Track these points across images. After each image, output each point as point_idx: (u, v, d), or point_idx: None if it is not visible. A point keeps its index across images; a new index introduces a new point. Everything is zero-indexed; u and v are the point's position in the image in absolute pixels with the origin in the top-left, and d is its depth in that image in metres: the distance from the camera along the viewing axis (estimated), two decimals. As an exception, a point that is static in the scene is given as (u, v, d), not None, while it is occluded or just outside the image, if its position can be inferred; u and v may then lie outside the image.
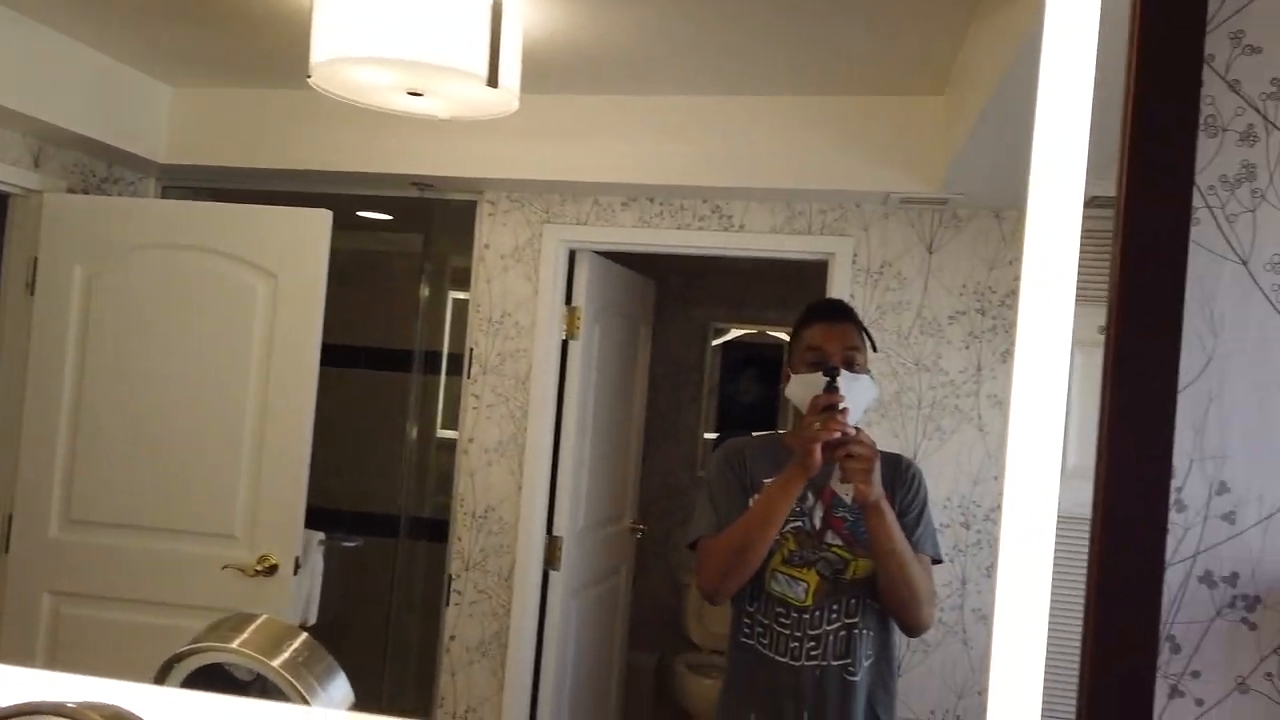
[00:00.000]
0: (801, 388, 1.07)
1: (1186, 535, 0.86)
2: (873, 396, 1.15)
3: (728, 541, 1.06)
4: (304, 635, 0.57)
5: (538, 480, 1.53)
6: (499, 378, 1.54)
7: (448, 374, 1.65)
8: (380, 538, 1.68)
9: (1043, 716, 0.77)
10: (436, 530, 1.60)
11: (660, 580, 2.05)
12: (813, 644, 1.06)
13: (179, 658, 0.53)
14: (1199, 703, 0.86)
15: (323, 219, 1.36)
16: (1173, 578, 0.84)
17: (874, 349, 1.19)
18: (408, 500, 1.68)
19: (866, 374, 1.10)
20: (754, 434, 1.21)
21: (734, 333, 2.38)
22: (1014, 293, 1.02)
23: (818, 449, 0.99)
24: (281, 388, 1.36)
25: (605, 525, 1.76)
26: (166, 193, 1.49)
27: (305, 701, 0.53)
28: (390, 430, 1.75)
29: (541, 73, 1.22)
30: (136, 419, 1.36)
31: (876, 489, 1.00)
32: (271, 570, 1.32)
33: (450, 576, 1.51)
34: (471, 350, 1.54)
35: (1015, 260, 1.02)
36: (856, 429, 1.03)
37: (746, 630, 1.07)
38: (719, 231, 1.49)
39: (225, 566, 1.31)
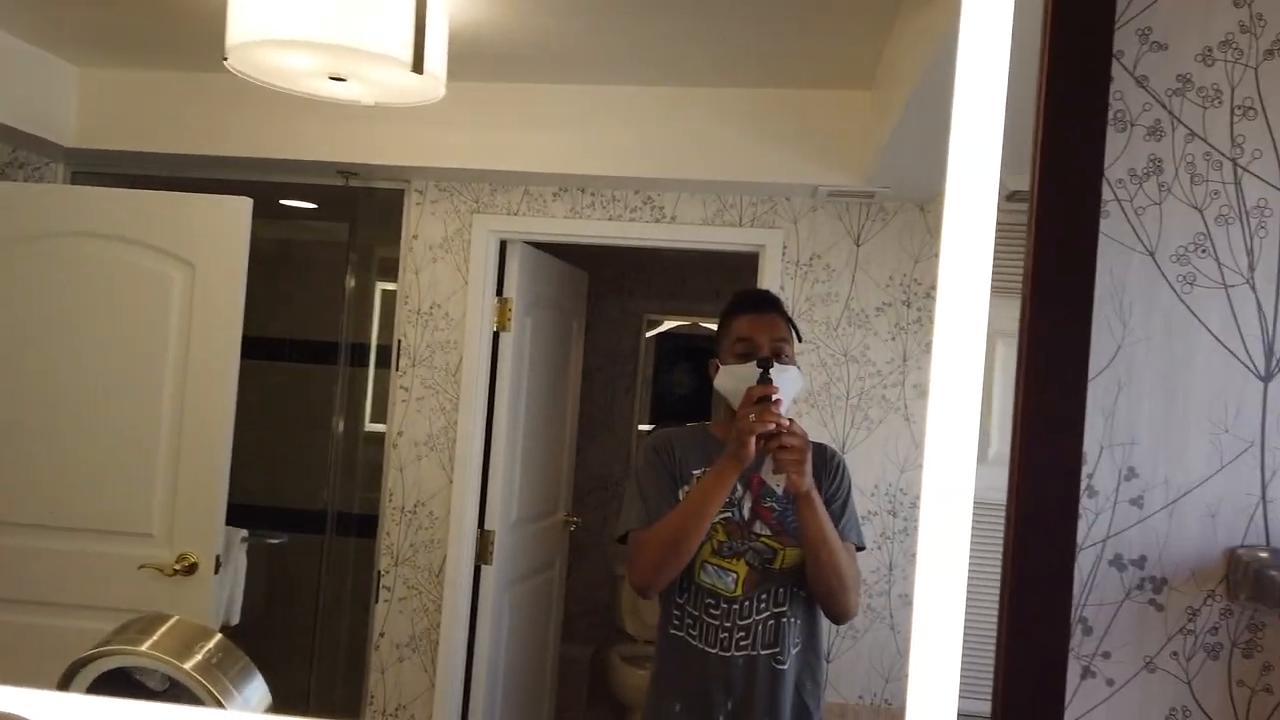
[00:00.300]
0: (731, 379, 1.08)
1: (1097, 520, 0.89)
2: (801, 387, 1.16)
3: (660, 535, 1.06)
4: (218, 637, 0.56)
5: (469, 474, 1.52)
6: (429, 370, 1.51)
7: (375, 366, 1.61)
8: (306, 534, 1.64)
9: (960, 696, 0.79)
10: (365, 526, 1.57)
11: (595, 572, 2.05)
12: (742, 634, 1.07)
13: (84, 662, 0.51)
14: (1109, 682, 0.90)
15: (243, 207, 1.32)
16: (1084, 561, 0.87)
17: (799, 339, 1.20)
18: (335, 495, 1.64)
19: (794, 365, 1.12)
20: (683, 425, 1.21)
21: (668, 324, 2.38)
22: (938, 285, 1.04)
23: (753, 441, 1.00)
24: (200, 381, 1.32)
25: (539, 518, 1.75)
26: (76, 178, 1.43)
27: (220, 705, 0.51)
28: (316, 424, 1.71)
29: (470, 59, 1.20)
30: (46, 414, 1.30)
31: (808, 479, 1.01)
32: (191, 569, 1.28)
33: (379, 573, 1.49)
34: (400, 342, 1.51)
35: (939, 254, 1.03)
36: (789, 420, 1.04)
37: (676, 621, 1.07)
38: (651, 223, 1.49)
39: (142, 566, 1.27)
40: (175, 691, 0.49)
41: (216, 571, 1.29)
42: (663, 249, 1.58)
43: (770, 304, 1.18)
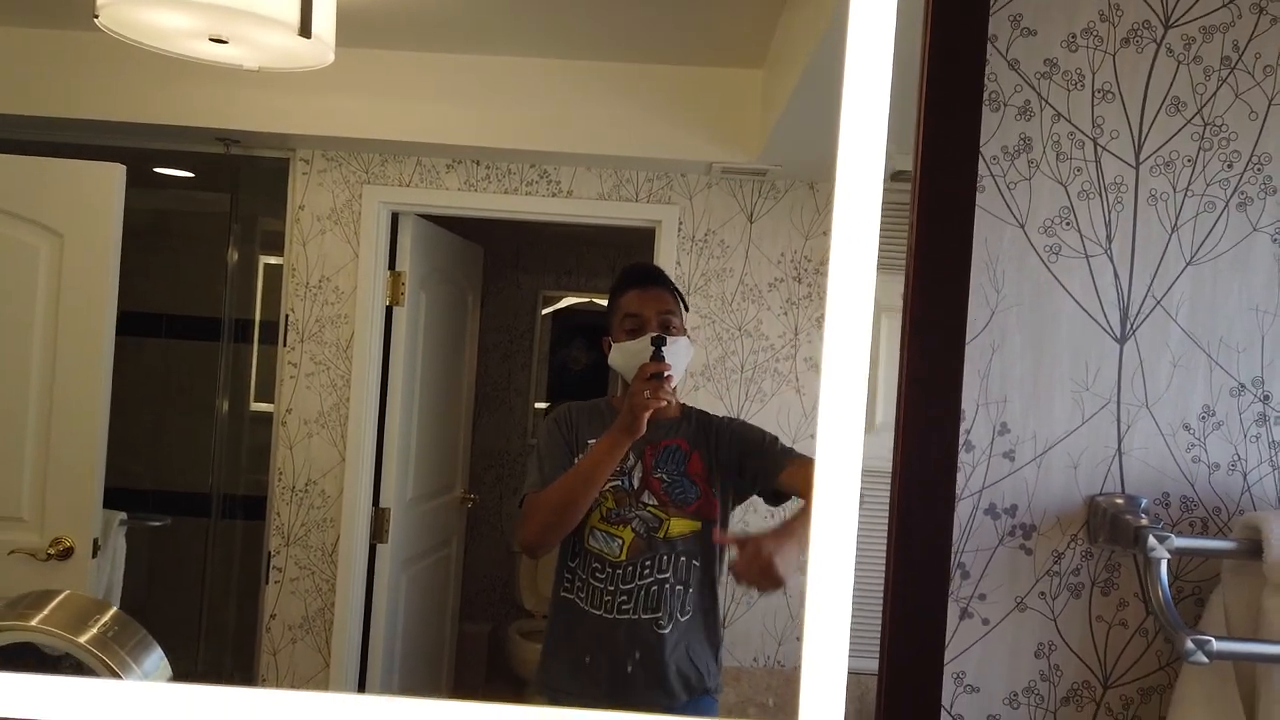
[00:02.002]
0: (622, 356, 1.11)
1: (974, 473, 0.95)
2: (690, 357, 1.19)
3: (551, 497, 1.10)
4: (114, 609, 0.54)
5: (363, 451, 1.49)
6: (318, 345, 1.47)
7: (261, 343, 1.56)
8: (191, 517, 1.58)
9: (851, 655, 0.83)
10: (252, 508, 1.52)
11: (492, 550, 2.04)
12: (624, 598, 1.11)
13: (-37, 640, 0.48)
14: (985, 621, 0.96)
15: (114, 173, 1.26)
16: (962, 511, 0.93)
17: (687, 310, 1.23)
18: (220, 477, 1.58)
19: (684, 336, 1.15)
20: (586, 400, 1.24)
21: (564, 301, 2.38)
22: (826, 261, 1.08)
23: (645, 416, 1.03)
24: (71, 357, 1.26)
25: (435, 496, 1.73)
26: (-72, 142, 1.32)
27: (117, 677, 0.50)
28: (199, 404, 1.64)
29: (360, 25, 1.17)
30: (-104, 394, 1.22)
31: (786, 573, 1.03)
32: (67, 554, 1.22)
33: (270, 553, 1.45)
34: (287, 317, 1.47)
35: (829, 231, 1.07)
36: (675, 398, 1.07)
37: (566, 584, 1.11)
38: (547, 197, 1.48)
39: (13, 551, 1.20)
40: (74, 664, 0.47)
41: (95, 555, 1.23)
42: (558, 224, 1.58)
43: (654, 278, 1.20)
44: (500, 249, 2.11)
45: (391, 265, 1.51)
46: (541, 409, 2.29)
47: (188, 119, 1.33)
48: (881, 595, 0.81)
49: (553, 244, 2.23)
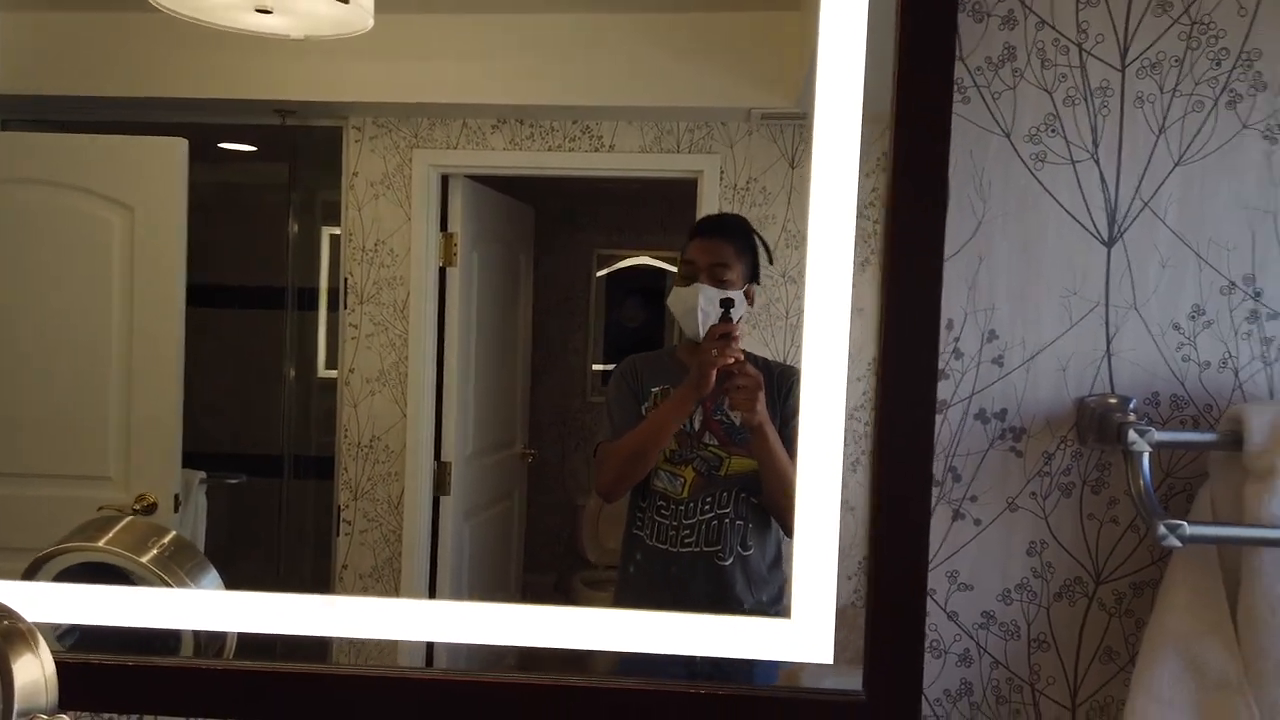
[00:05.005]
0: (675, 300, 1.17)
1: (964, 379, 0.96)
2: (741, 306, 1.22)
3: (623, 449, 1.17)
4: (172, 533, 0.59)
5: (423, 407, 1.55)
6: (376, 306, 1.53)
7: (324, 309, 1.62)
8: (265, 478, 1.66)
9: (840, 555, 0.86)
10: (323, 466, 1.59)
11: (555, 503, 2.09)
12: (687, 532, 1.16)
13: (45, 558, 0.54)
14: (977, 522, 0.97)
15: (178, 147, 1.32)
16: (953, 416, 0.94)
17: (770, 261, 1.27)
18: (290, 438, 1.66)
19: (736, 288, 1.18)
20: (650, 351, 1.30)
21: (622, 263, 2.41)
22: (870, 204, 1.09)
23: (713, 374, 1.09)
24: (146, 325, 1.33)
25: (495, 450, 1.78)
26: (4, 125, 1.41)
27: (177, 592, 0.54)
28: (268, 370, 1.72)
29: (397, -11, 1.20)
30: (-8, 364, 1.31)
31: (760, 414, 1.10)
32: (151, 509, 1.30)
33: (339, 507, 1.52)
34: (346, 280, 1.53)
35: (870, 173, 1.08)
36: (745, 360, 1.12)
37: (637, 523, 1.18)
38: (589, 152, 1.50)
39: (101, 508, 1.28)
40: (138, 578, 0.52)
41: (176, 510, 1.31)
42: (605, 179, 1.60)
43: (720, 229, 1.24)
44: (550, 209, 2.14)
45: (443, 227, 1.56)
46: (598, 370, 2.33)
47: (243, 92, 1.38)
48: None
49: (602, 202, 2.25)
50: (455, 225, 1.57)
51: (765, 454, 1.10)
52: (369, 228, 1.52)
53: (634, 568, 1.23)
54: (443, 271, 1.56)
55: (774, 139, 1.49)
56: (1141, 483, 0.86)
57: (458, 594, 1.59)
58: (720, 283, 1.18)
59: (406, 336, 1.53)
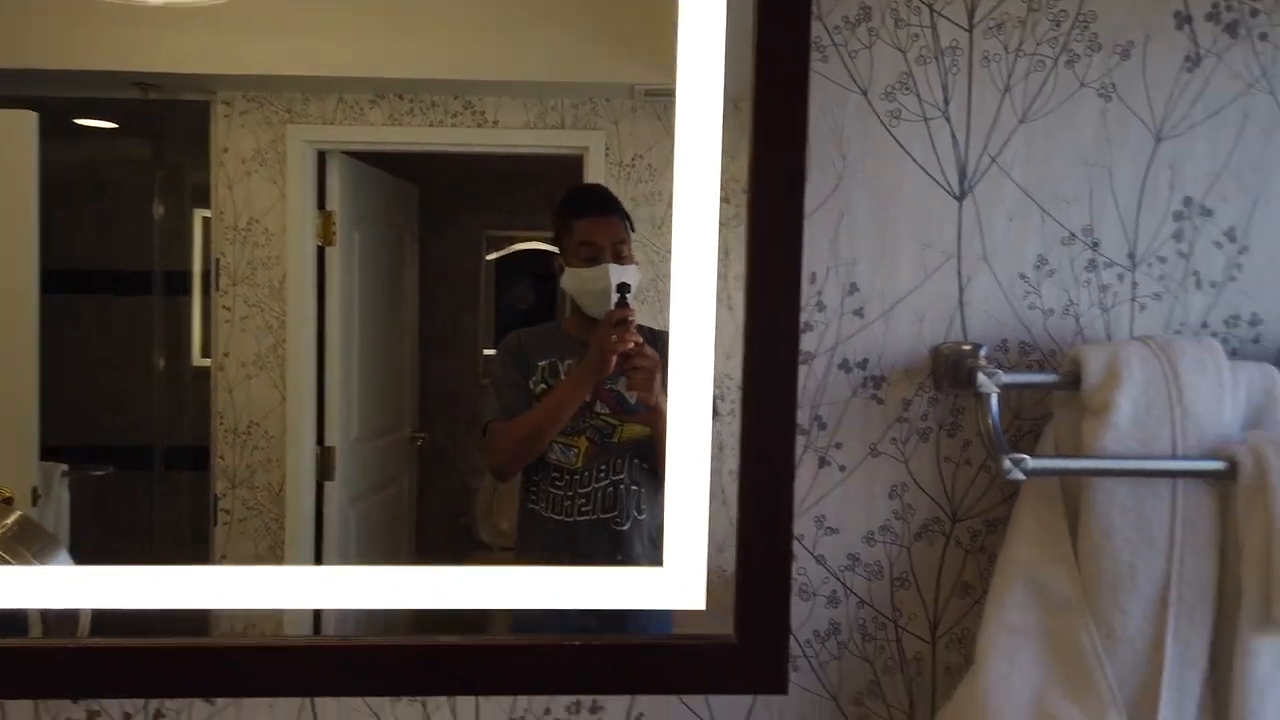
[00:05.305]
0: (576, 281, 1.17)
1: (827, 330, 1.00)
2: (639, 279, 1.23)
3: (519, 430, 1.18)
4: (17, 513, 0.56)
5: (303, 391, 1.50)
6: (251, 288, 1.47)
7: (192, 292, 1.55)
8: (135, 469, 1.59)
9: (710, 499, 0.89)
10: (198, 456, 1.53)
11: (447, 487, 2.06)
12: (584, 501, 1.17)
13: None
14: (842, 468, 1.01)
15: (26, 121, 1.24)
16: (818, 367, 0.97)
17: (633, 229, 1.28)
18: (161, 428, 1.58)
19: (633, 263, 1.19)
20: (535, 326, 1.29)
21: (513, 247, 2.39)
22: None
23: (613, 359, 1.10)
24: (-3, 312, 1.25)
25: (383, 434, 1.75)
26: None
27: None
28: (136, 358, 1.63)
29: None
30: None
31: (657, 395, 1.11)
32: (8, 503, 1.22)
33: (216, 496, 1.46)
34: (218, 261, 1.46)
35: (749, 148, 1.09)
36: (644, 342, 1.13)
37: (532, 497, 1.18)
38: (472, 128, 1.48)
39: (-51, 503, 1.20)
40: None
41: (35, 504, 1.24)
42: (491, 157, 1.58)
43: (609, 205, 1.25)
44: (436, 187, 2.10)
45: (321, 205, 1.51)
46: (490, 354, 2.30)
47: (100, 63, 1.31)
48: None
49: (489, 181, 2.22)
50: (333, 203, 1.52)
51: (661, 426, 1.11)
52: (241, 206, 1.46)
53: (529, 540, 1.23)
54: (322, 251, 1.51)
55: (658, 115, 1.49)
56: (990, 422, 0.92)
57: (341, 618, 1.55)
58: (622, 260, 1.19)
59: (284, 319, 1.48)
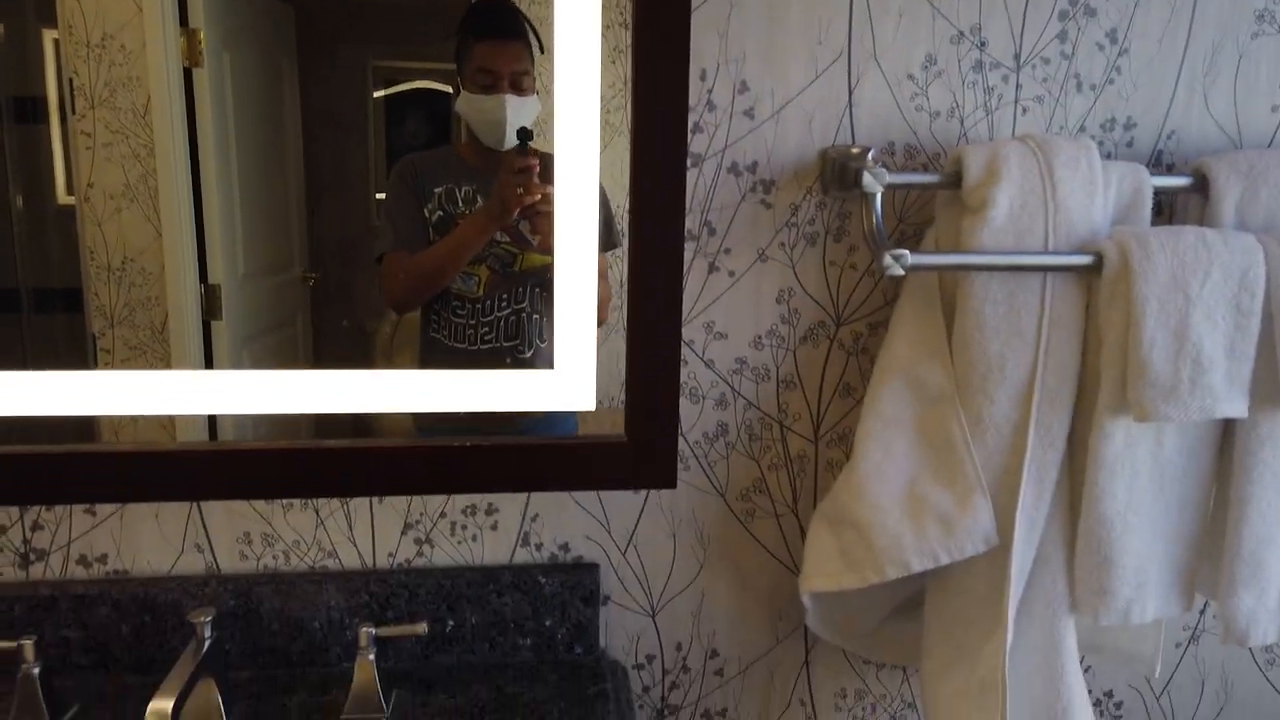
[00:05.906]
0: (471, 108, 1.12)
1: (717, 132, 0.99)
2: (538, 111, 1.18)
3: (419, 266, 1.15)
4: None
5: (180, 225, 1.42)
6: (112, 112, 1.36)
7: (48, 121, 1.43)
8: (1, 313, 1.50)
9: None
10: (71, 298, 1.45)
11: (343, 328, 2.02)
12: (486, 329, 1.17)
13: None
14: (731, 274, 1.03)
15: None
16: (707, 170, 0.97)
17: (542, 50, 1.23)
18: (27, 269, 1.49)
19: (533, 94, 1.14)
20: (428, 149, 1.24)
21: (400, 85, 2.27)
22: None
23: (516, 209, 1.07)
24: None
25: (271, 273, 1.68)
26: None
27: None
28: (-7, 196, 1.51)
29: None
30: None
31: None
32: None
33: (94, 335, 1.40)
34: (71, 81, 1.35)
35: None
36: (546, 189, 1.10)
37: (434, 326, 1.16)
38: (346, -67, 1.37)
39: None
40: None
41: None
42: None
43: (513, 30, 1.18)
44: (312, 9, 1.95)
45: (184, 22, 1.39)
46: (381, 199, 2.20)
47: None
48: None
49: (373, 6, 2.07)
50: (198, 20, 1.40)
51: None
52: (92, 20, 1.33)
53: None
54: (189, 73, 1.40)
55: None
56: (874, 220, 0.94)
57: (239, 429, 1.52)
58: (522, 91, 1.13)
59: (152, 146, 1.38)
